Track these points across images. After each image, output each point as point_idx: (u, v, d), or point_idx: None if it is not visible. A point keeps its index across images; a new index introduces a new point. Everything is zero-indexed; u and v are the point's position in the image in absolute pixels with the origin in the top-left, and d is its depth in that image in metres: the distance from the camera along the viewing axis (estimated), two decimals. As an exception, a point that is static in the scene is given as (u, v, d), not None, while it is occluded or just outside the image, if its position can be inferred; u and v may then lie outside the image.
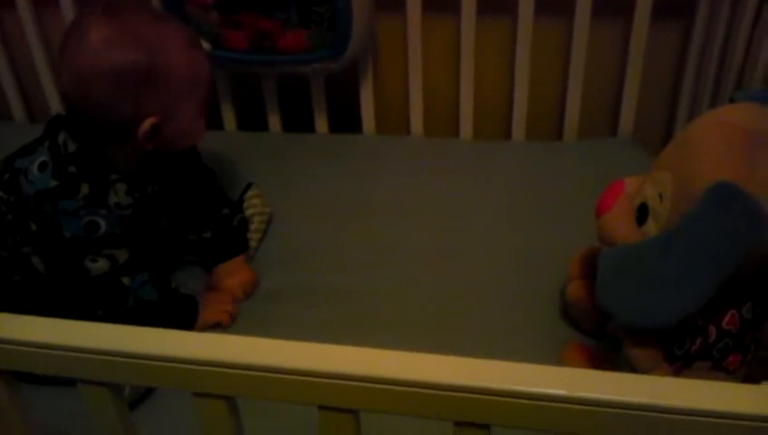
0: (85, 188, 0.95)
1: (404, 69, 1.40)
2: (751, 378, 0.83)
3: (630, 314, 0.76)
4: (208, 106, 1.04)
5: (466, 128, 1.42)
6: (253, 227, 1.18)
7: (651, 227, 0.79)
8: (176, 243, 1.13)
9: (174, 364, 0.60)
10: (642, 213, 0.81)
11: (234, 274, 1.10)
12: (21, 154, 1.01)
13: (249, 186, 1.22)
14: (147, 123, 0.95)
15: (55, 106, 1.54)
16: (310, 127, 1.47)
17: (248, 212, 1.18)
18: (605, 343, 0.90)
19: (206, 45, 1.34)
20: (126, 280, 0.98)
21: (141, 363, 0.61)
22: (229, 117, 1.49)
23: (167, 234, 1.09)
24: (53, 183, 0.94)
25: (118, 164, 0.98)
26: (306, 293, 1.09)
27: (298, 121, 1.48)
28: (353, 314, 1.05)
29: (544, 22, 1.33)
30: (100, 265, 0.96)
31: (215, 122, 1.48)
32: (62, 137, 0.97)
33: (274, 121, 1.48)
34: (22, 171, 0.97)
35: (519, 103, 1.38)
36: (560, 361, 0.90)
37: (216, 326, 1.04)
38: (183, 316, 1.03)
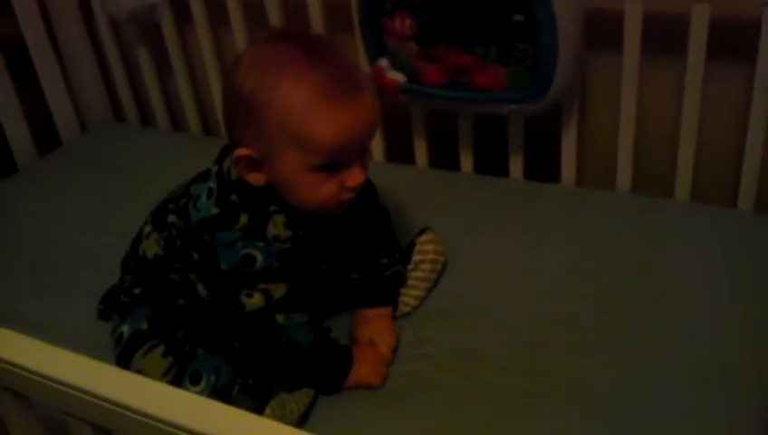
0: (244, 219, 0.91)
1: (615, 116, 1.24)
2: None
3: None
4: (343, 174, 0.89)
5: (683, 188, 1.23)
6: (420, 275, 1.09)
7: None
8: (336, 289, 1.07)
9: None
10: None
11: (372, 324, 1.02)
12: (198, 179, 1.01)
13: (424, 230, 1.14)
14: (241, 151, 0.89)
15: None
16: (503, 171, 1.36)
17: (416, 258, 1.09)
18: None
19: (401, 78, 1.29)
20: (280, 318, 0.93)
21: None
22: (421, 152, 1.42)
23: (327, 277, 1.03)
24: (215, 211, 0.92)
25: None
26: (463, 359, 0.98)
27: (492, 163, 1.37)
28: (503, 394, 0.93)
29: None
30: (255, 300, 0.92)
31: (407, 157, 1.43)
32: (227, 163, 0.94)
33: (466, 162, 1.39)
34: (193, 198, 0.96)
35: (750, 166, 1.16)
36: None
37: (367, 387, 0.96)
38: (336, 368, 0.97)
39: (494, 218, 1.23)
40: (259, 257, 0.91)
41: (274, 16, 1.46)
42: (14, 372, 0.69)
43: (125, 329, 1.00)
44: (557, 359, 0.96)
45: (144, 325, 0.99)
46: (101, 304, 1.10)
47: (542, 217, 1.23)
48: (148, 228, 1.03)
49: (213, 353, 0.97)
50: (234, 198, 0.92)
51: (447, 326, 1.04)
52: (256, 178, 0.91)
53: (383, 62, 1.30)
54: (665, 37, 1.18)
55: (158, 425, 0.62)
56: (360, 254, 1.06)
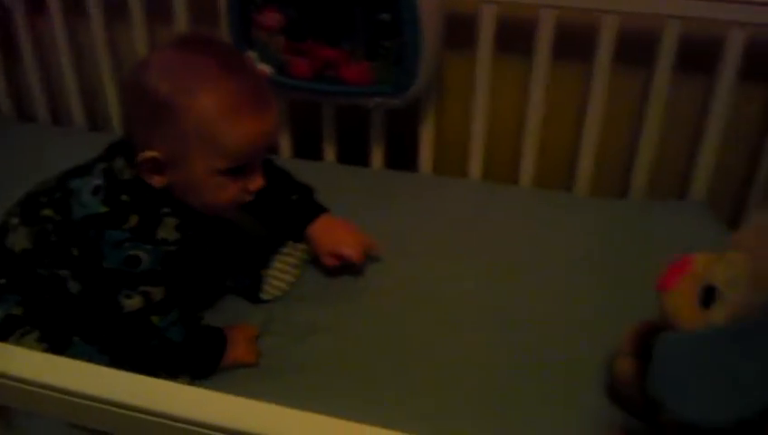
0: (134, 220, 0.92)
1: (467, 110, 1.35)
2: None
3: (685, 408, 0.69)
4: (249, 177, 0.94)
5: (527, 176, 1.36)
6: (292, 261, 1.14)
7: (718, 314, 0.72)
8: (219, 281, 1.10)
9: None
10: (708, 296, 0.74)
11: (334, 230, 1.10)
12: (76, 173, 0.98)
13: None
14: (147, 153, 0.90)
15: (117, 118, 1.55)
16: (365, 160, 1.43)
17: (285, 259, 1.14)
18: (653, 429, 0.83)
19: (269, 70, 1.33)
20: (156, 319, 0.95)
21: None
22: (285, 143, 1.47)
23: (211, 272, 1.06)
24: (103, 209, 0.92)
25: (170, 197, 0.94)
26: (334, 333, 1.05)
27: (354, 154, 1.45)
28: (370, 364, 1.00)
29: (621, 73, 1.27)
30: (134, 301, 0.93)
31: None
32: (119, 162, 0.94)
33: (330, 152, 1.45)
34: (74, 193, 0.95)
35: (585, 156, 1.32)
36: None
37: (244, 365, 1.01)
38: (211, 354, 1.00)
39: (357, 205, 1.30)
40: (144, 259, 0.92)
41: (135, 6, 1.45)
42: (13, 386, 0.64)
43: None
44: (417, 335, 1.04)
45: (17, 310, 0.97)
46: None
47: (399, 202, 1.31)
48: (14, 220, 0.99)
49: (88, 343, 0.97)
50: (125, 197, 0.92)
51: (317, 305, 1.10)
52: (158, 181, 0.92)
53: (250, 54, 1.33)
54: (515, 37, 1.30)
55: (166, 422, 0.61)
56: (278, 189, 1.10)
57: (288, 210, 1.11)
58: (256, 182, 0.95)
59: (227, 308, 1.10)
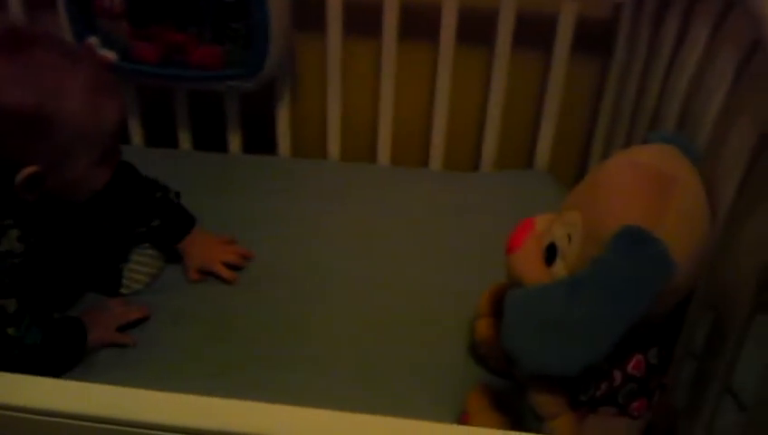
0: None
1: (323, 91, 1.36)
2: (655, 424, 0.82)
3: (533, 360, 0.74)
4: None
5: (384, 153, 1.39)
6: (154, 253, 1.11)
7: (560, 269, 0.77)
8: (80, 272, 1.06)
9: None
10: (550, 253, 0.79)
11: (205, 247, 1.09)
12: None
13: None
14: (25, 172, 0.85)
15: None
16: (222, 146, 1.41)
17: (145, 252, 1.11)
18: (512, 386, 0.88)
19: (112, 56, 1.28)
20: (11, 331, 0.90)
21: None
22: (136, 132, 1.42)
23: (66, 273, 1.02)
24: None
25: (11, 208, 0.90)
26: (199, 318, 1.04)
27: (210, 140, 1.42)
28: (239, 345, 1.01)
29: (468, 49, 1.31)
30: None
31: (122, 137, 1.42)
32: None
33: (184, 138, 1.42)
34: None
35: (438, 131, 1.36)
36: (464, 402, 0.87)
37: (121, 346, 0.99)
38: (72, 345, 0.96)
39: (216, 190, 1.29)
40: None
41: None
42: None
43: None
44: (283, 313, 1.05)
45: None
46: None
47: (259, 185, 1.31)
48: None
49: None
50: None
51: (187, 293, 1.08)
52: (32, 196, 0.88)
53: (93, 40, 1.28)
54: (362, 19, 1.31)
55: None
56: (138, 203, 1.08)
57: (151, 220, 1.08)
58: (118, 156, 0.97)
59: (88, 304, 1.05)
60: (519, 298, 0.77)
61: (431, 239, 1.19)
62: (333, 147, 1.40)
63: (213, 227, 1.16)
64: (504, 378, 0.92)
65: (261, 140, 1.42)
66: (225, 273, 1.08)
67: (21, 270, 0.91)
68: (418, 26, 1.31)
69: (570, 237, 0.77)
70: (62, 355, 0.95)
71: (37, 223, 0.92)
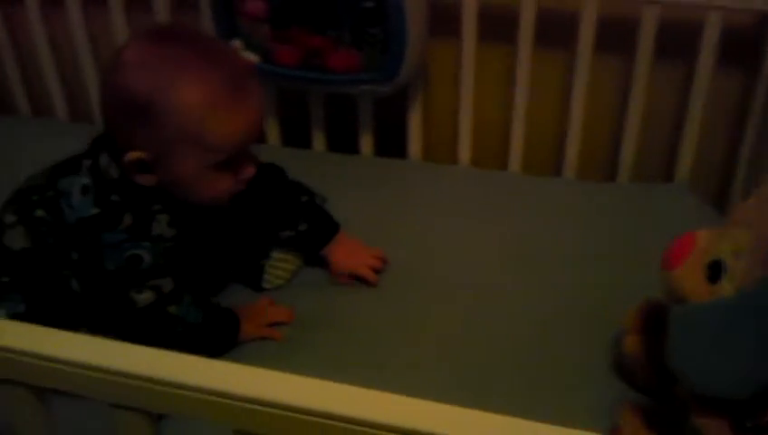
0: (128, 219, 0.90)
1: (455, 97, 1.36)
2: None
3: (702, 380, 0.71)
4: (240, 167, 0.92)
5: (516, 161, 1.37)
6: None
7: (726, 287, 0.73)
8: (222, 269, 1.09)
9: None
10: (715, 271, 0.75)
11: (351, 251, 1.09)
12: (64, 171, 0.96)
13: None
14: (132, 155, 0.88)
15: (98, 108, 1.52)
16: (354, 148, 1.43)
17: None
18: (663, 404, 0.84)
19: (255, 58, 1.31)
20: (173, 308, 0.93)
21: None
22: (273, 131, 1.45)
23: (212, 261, 1.05)
24: (95, 211, 0.90)
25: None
26: (339, 315, 1.06)
27: (343, 141, 1.44)
28: (371, 350, 1.00)
29: (604, 60, 1.28)
30: (146, 296, 0.92)
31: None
32: (104, 160, 0.92)
33: (319, 140, 1.44)
34: (64, 194, 0.93)
35: (572, 140, 1.33)
36: (612, 420, 0.84)
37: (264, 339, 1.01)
38: (226, 332, 0.99)
39: (348, 193, 1.29)
40: (146, 257, 0.91)
41: (114, -5, 1.43)
42: (43, 366, 0.63)
43: (0, 313, 0.95)
44: (416, 324, 1.04)
45: (21, 308, 0.95)
46: None
47: (389, 189, 1.31)
48: (10, 218, 0.97)
49: (95, 334, 0.95)
50: (115, 197, 0.91)
51: (317, 295, 1.09)
52: (147, 180, 0.90)
53: (236, 43, 1.31)
54: (498, 25, 1.30)
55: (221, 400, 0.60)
56: (286, 206, 1.09)
57: (298, 224, 1.09)
58: (248, 171, 0.94)
59: (233, 296, 1.08)
60: (687, 316, 0.74)
61: (567, 250, 1.16)
62: (464, 152, 1.39)
63: (343, 228, 1.17)
64: (650, 395, 0.89)
65: (392, 144, 1.43)
66: (372, 276, 1.08)
67: (174, 253, 0.94)
68: (554, 33, 1.29)
69: (737, 255, 0.73)
70: (219, 339, 0.98)
71: (185, 212, 0.95)
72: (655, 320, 0.86)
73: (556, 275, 1.11)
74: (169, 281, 0.93)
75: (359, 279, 1.09)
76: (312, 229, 1.10)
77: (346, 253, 1.09)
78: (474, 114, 1.36)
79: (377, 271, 1.10)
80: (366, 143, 1.42)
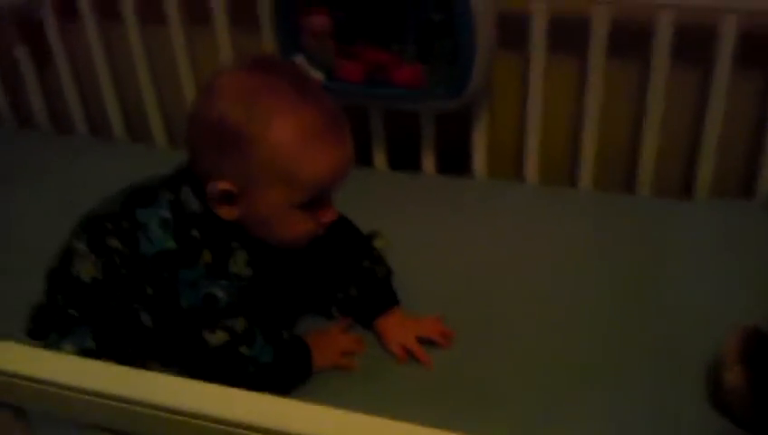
0: (207, 256, 0.87)
1: (521, 111, 1.32)
2: None
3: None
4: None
5: (586, 177, 1.32)
6: None
7: None
8: (299, 301, 1.05)
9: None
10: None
11: (402, 327, 1.00)
12: (142, 202, 0.92)
13: (374, 235, 1.12)
14: (218, 185, 0.85)
15: (156, 127, 1.52)
16: (416, 165, 1.39)
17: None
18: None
19: (319, 76, 1.29)
20: (244, 350, 0.90)
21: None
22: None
23: (286, 299, 1.02)
24: (172, 245, 0.87)
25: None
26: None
27: (404, 159, 1.41)
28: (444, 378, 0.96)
29: (680, 71, 1.23)
30: (219, 336, 0.89)
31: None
32: (184, 192, 0.89)
33: (380, 158, 1.41)
34: (142, 226, 0.89)
35: (647, 155, 1.28)
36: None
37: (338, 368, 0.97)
38: (298, 367, 0.96)
39: (410, 212, 1.26)
40: (221, 296, 0.88)
41: (172, 11, 1.41)
42: (20, 385, 0.61)
43: (68, 348, 0.93)
44: (485, 352, 1.00)
45: (90, 343, 0.93)
46: (32, 323, 1.01)
47: (453, 208, 1.27)
48: (81, 247, 0.94)
49: (166, 366, 0.93)
50: (195, 233, 0.88)
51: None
52: (229, 213, 0.87)
53: (299, 60, 1.29)
54: (568, 36, 1.26)
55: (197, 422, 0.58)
56: (342, 265, 1.04)
57: (349, 288, 1.04)
58: (329, 215, 0.90)
59: (307, 325, 1.05)
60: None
61: (644, 273, 1.10)
62: (531, 170, 1.34)
63: (405, 251, 1.13)
64: (752, 430, 0.83)
65: (455, 160, 1.39)
66: (423, 357, 0.98)
67: (248, 292, 0.91)
68: (626, 43, 1.24)
69: None
70: (292, 374, 0.95)
71: (262, 251, 0.91)
72: (757, 348, 0.80)
73: (632, 300, 1.06)
74: (242, 321, 0.90)
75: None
76: (362, 298, 1.03)
77: (396, 327, 1.00)
78: (541, 129, 1.31)
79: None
80: (428, 160, 1.38)
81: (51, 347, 0.96)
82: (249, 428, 0.54)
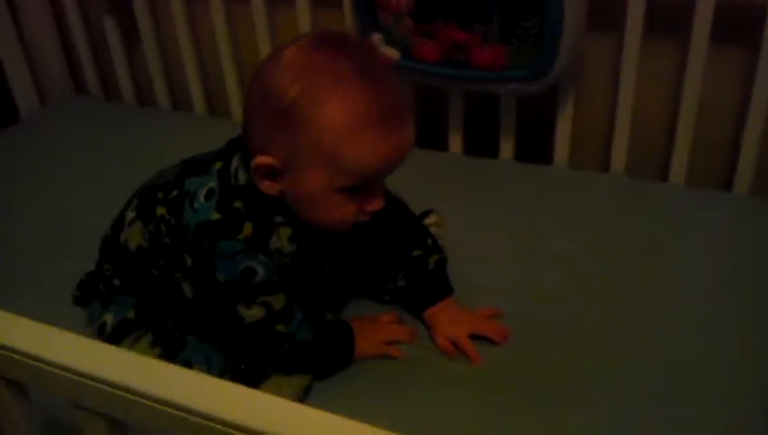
0: (248, 229, 0.84)
1: (611, 97, 1.23)
2: None
3: None
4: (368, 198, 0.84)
5: (678, 170, 1.22)
6: None
7: None
8: (341, 290, 1.02)
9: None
10: None
11: (453, 321, 0.95)
12: (194, 171, 0.91)
13: (428, 212, 1.09)
14: (262, 159, 0.81)
15: (236, 103, 1.51)
16: (493, 151, 1.33)
17: None
18: None
19: (395, 53, 1.24)
20: (281, 327, 0.88)
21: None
22: (408, 132, 1.38)
23: (333, 277, 0.98)
24: (216, 216, 0.85)
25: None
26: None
27: (481, 144, 1.34)
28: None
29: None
30: (255, 312, 0.86)
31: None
32: (234, 163, 0.87)
33: (456, 142, 1.35)
34: (189, 194, 0.88)
35: (748, 149, 1.17)
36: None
37: (384, 357, 0.94)
38: (339, 350, 0.93)
39: (485, 201, 1.20)
40: (260, 271, 0.85)
41: (255, -12, 1.40)
42: (18, 360, 0.62)
43: (108, 318, 0.93)
44: (554, 343, 0.95)
45: (130, 314, 0.92)
46: (78, 291, 1.03)
47: (531, 198, 1.21)
48: (131, 214, 0.94)
49: (204, 341, 0.92)
50: (238, 204, 0.85)
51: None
52: (270, 187, 0.84)
53: (376, 38, 1.25)
54: (667, 19, 1.16)
55: (180, 414, 0.57)
56: (392, 253, 1.00)
57: (398, 278, 1.00)
58: (375, 203, 0.85)
59: (360, 310, 1.01)
60: None
61: (737, 274, 1.02)
62: (618, 160, 1.25)
63: (473, 240, 1.09)
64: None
65: (536, 148, 1.32)
66: (472, 353, 0.93)
67: (289, 269, 0.88)
68: (732, 27, 1.14)
69: None
70: (331, 357, 0.92)
71: (307, 228, 0.88)
72: None
73: (720, 301, 0.98)
74: (281, 297, 0.87)
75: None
76: (410, 289, 0.99)
77: (448, 319, 0.96)
78: (632, 117, 1.23)
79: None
80: (506, 146, 1.32)
81: (92, 315, 0.97)
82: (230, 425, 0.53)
